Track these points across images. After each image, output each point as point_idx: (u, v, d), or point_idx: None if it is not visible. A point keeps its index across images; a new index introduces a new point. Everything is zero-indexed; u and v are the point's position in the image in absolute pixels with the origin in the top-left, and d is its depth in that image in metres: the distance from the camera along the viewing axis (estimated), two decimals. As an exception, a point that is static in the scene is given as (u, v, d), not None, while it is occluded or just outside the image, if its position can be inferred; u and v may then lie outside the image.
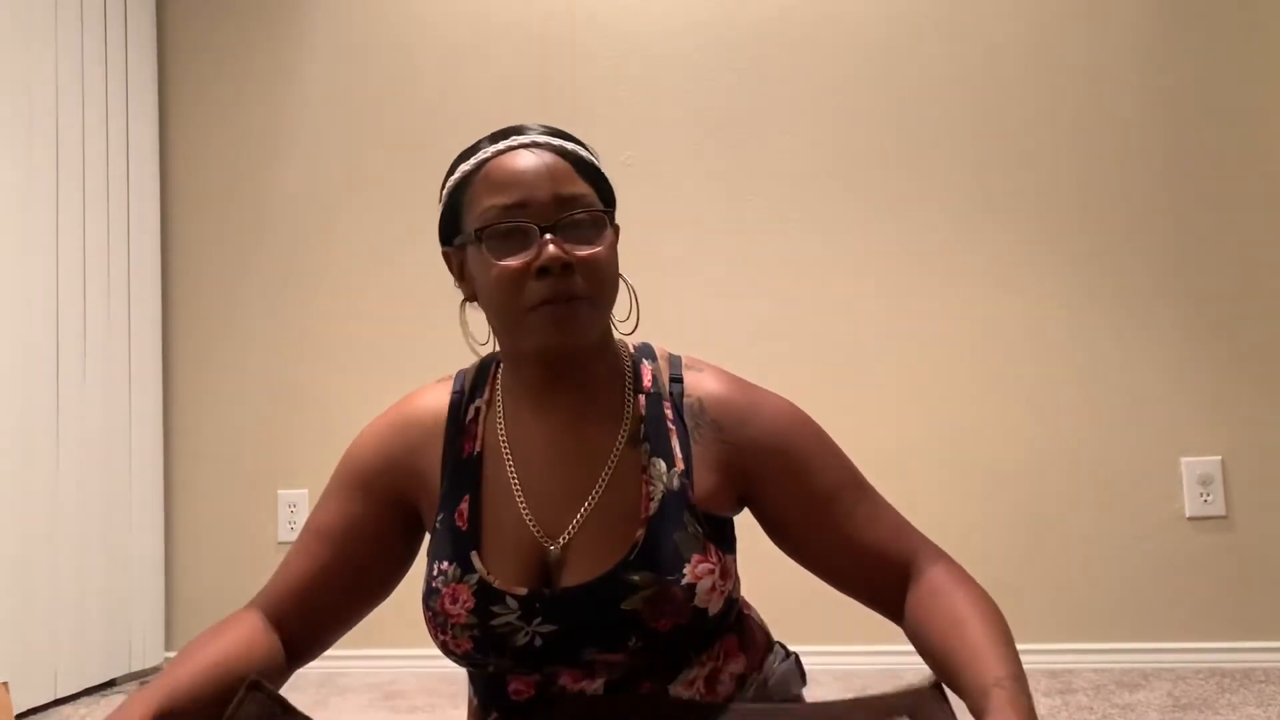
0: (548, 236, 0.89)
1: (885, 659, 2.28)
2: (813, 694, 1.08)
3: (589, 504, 0.94)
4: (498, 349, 1.02)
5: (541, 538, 0.94)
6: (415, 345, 2.57)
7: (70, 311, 2.35)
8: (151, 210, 2.68)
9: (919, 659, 0.91)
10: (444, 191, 0.98)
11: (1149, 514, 2.32)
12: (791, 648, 1.10)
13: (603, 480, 0.95)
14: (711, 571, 0.92)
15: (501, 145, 0.94)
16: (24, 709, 2.16)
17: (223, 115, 2.77)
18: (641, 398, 0.98)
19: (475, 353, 1.02)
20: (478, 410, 1.01)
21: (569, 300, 0.89)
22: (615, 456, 0.95)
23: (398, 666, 2.46)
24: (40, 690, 2.21)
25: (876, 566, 0.95)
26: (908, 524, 0.98)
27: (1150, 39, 2.41)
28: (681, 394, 0.99)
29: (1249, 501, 2.29)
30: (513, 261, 0.90)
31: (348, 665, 2.44)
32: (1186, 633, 2.27)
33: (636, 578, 0.90)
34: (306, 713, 0.88)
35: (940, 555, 0.95)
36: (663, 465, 0.95)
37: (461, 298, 1.00)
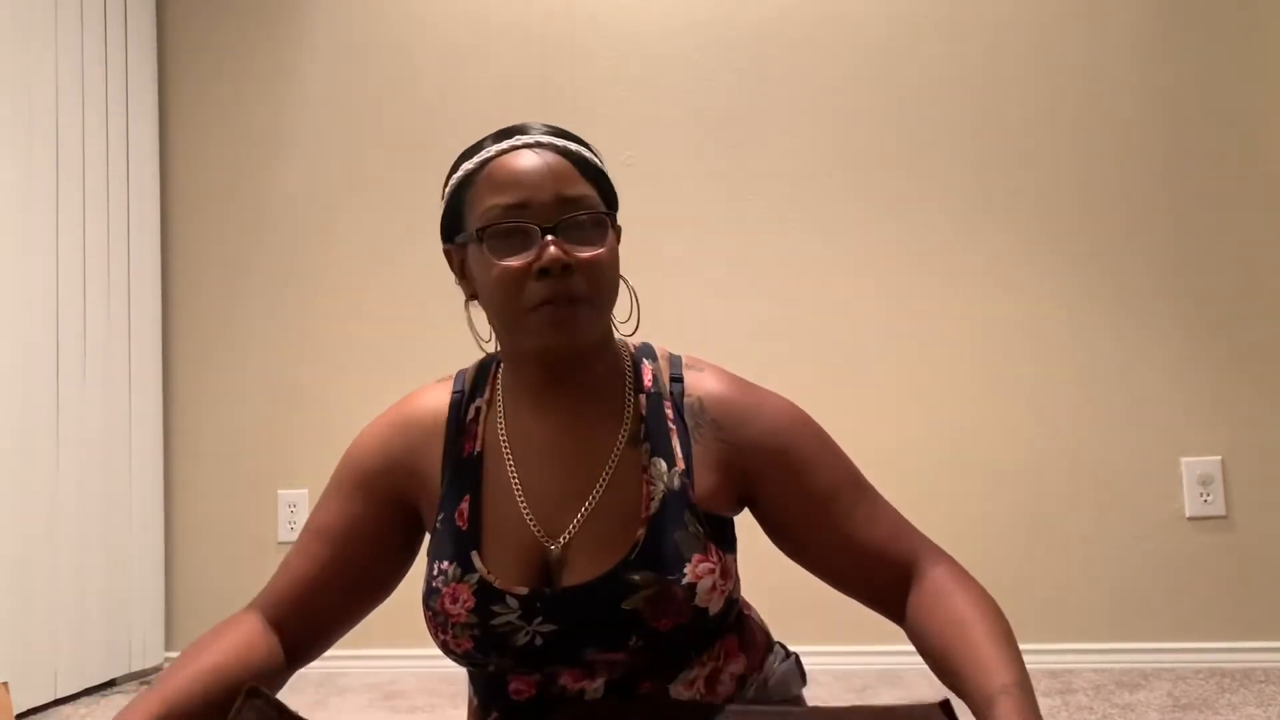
0: (549, 238, 0.89)
1: (885, 659, 2.28)
2: (813, 694, 1.08)
3: (589, 503, 0.94)
4: (499, 348, 1.02)
5: (542, 537, 0.94)
6: (415, 345, 2.57)
7: (70, 311, 2.35)
8: (151, 210, 2.68)
9: (919, 659, 0.91)
10: (446, 189, 0.98)
11: (1149, 514, 2.32)
12: (791, 648, 1.10)
13: (603, 480, 0.95)
14: (712, 571, 0.92)
15: (505, 144, 0.94)
16: (24, 709, 2.16)
17: (223, 115, 2.77)
18: (642, 397, 0.98)
19: (483, 350, 1.02)
20: (478, 410, 1.01)
21: (569, 302, 0.89)
22: (616, 456, 0.95)
23: (398, 666, 2.46)
24: (40, 690, 2.21)
25: (876, 566, 0.95)
26: (908, 524, 0.98)
27: (1150, 39, 2.41)
28: (682, 394, 0.99)
29: (1249, 501, 2.29)
30: (513, 262, 0.90)
31: (348, 665, 2.44)
32: (1186, 633, 2.27)
33: (637, 577, 0.90)
34: (306, 714, 0.87)
35: (941, 555, 0.95)
36: (663, 465, 0.95)
37: (469, 300, 1.00)
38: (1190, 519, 2.31)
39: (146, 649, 2.54)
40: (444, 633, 0.94)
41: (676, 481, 0.94)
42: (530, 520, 0.94)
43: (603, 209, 0.94)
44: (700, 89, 2.58)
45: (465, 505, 0.96)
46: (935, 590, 0.90)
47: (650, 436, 0.96)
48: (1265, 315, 2.33)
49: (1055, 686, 2.10)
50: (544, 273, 0.89)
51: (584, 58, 2.62)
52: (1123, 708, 1.93)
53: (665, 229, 2.51)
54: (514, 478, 0.96)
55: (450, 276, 1.01)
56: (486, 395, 1.01)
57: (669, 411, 0.98)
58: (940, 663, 0.86)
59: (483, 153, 0.95)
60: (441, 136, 2.60)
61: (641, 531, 0.92)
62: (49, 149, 2.32)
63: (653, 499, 0.93)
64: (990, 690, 0.78)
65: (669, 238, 2.51)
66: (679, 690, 0.94)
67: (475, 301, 0.99)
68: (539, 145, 0.93)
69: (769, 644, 1.07)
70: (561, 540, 0.93)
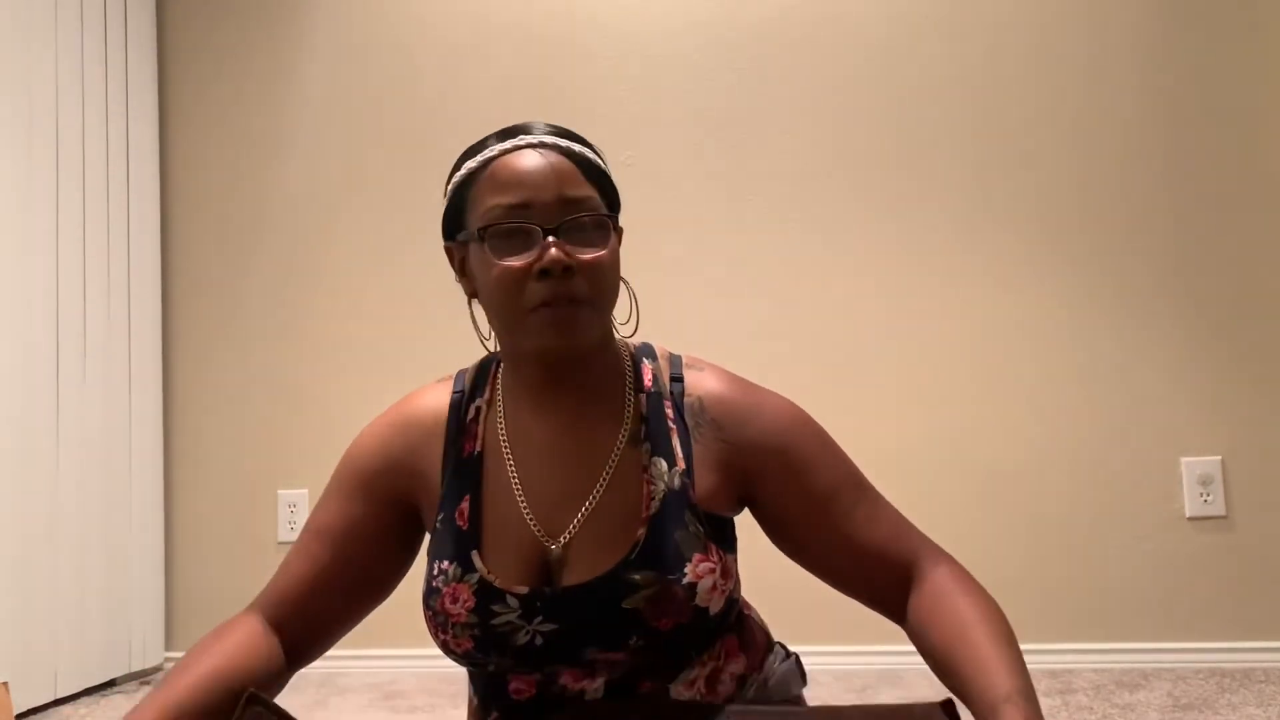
0: (550, 239, 0.89)
1: (885, 659, 2.28)
2: (813, 694, 1.08)
3: (590, 503, 0.94)
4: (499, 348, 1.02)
5: (542, 537, 0.94)
6: (415, 345, 2.57)
7: (70, 311, 2.35)
8: (151, 210, 2.68)
9: (920, 660, 0.91)
10: (448, 187, 0.98)
11: (1149, 514, 2.32)
12: (791, 648, 1.10)
13: (603, 479, 0.95)
14: (712, 570, 0.92)
15: (509, 144, 0.94)
16: (24, 709, 2.16)
17: (223, 115, 2.77)
18: (642, 397, 0.98)
19: (485, 348, 1.02)
20: (478, 410, 1.01)
21: (569, 303, 0.89)
22: (616, 456, 0.95)
23: (398, 666, 2.46)
24: (40, 690, 2.21)
25: (877, 566, 0.95)
26: (909, 524, 0.97)
27: (1150, 39, 2.41)
28: (682, 393, 0.99)
29: (1249, 501, 2.29)
30: (514, 262, 0.90)
31: (348, 665, 2.44)
32: (1186, 633, 2.27)
33: (638, 577, 0.90)
34: (306, 715, 0.88)
35: (942, 556, 0.95)
36: (663, 464, 0.94)
37: (468, 298, 1.00)
38: (1190, 519, 2.31)
39: (146, 649, 2.54)
40: (444, 632, 0.94)
41: (677, 481, 0.94)
42: (530, 520, 0.94)
43: (605, 211, 0.94)
44: (700, 89, 2.58)
45: (465, 505, 0.96)
46: (936, 591, 0.90)
47: (650, 436, 0.96)
48: (1265, 315, 2.33)
49: (1055, 686, 2.10)
50: (545, 273, 0.88)
51: (584, 58, 2.62)
52: (1123, 708, 1.93)
53: (665, 229, 2.51)
54: (514, 477, 0.96)
55: (450, 275, 1.01)
56: (486, 395, 1.01)
57: (669, 411, 0.98)
58: (942, 665, 0.86)
59: (486, 151, 0.94)
60: (441, 136, 2.60)
61: (642, 531, 0.92)
62: (49, 149, 2.32)
63: (653, 498, 0.93)
64: (994, 698, 0.77)
65: (669, 238, 2.51)
66: (679, 690, 0.94)
67: (474, 299, 0.99)
68: (543, 145, 0.93)
69: (769, 644, 1.07)
70: (562, 540, 0.93)
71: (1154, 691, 2.04)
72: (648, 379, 0.99)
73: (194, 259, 2.75)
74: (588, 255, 0.91)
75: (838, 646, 2.31)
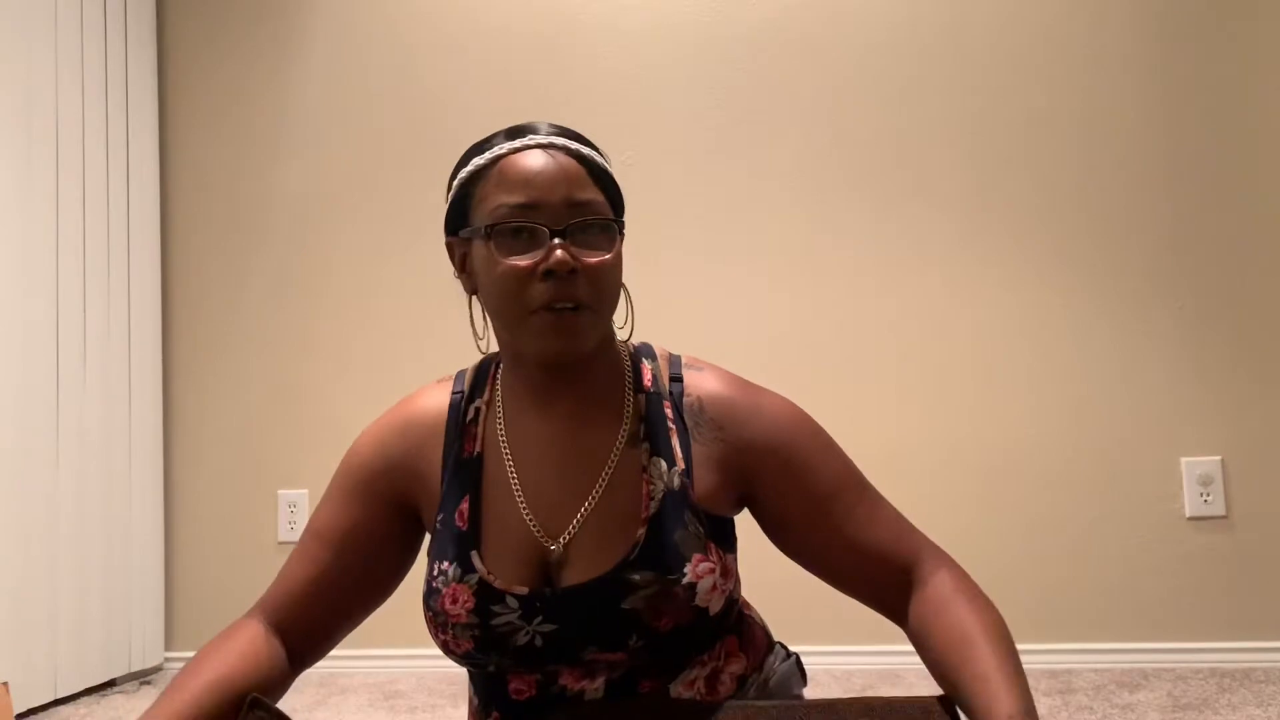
0: (556, 240, 0.89)
1: (885, 659, 2.28)
2: (813, 694, 1.08)
3: (589, 503, 0.94)
4: (496, 348, 1.02)
5: (542, 537, 0.94)
6: (415, 345, 2.57)
7: (70, 312, 2.35)
8: (151, 210, 2.68)
9: (920, 660, 0.91)
10: (454, 182, 0.98)
11: (1149, 514, 2.32)
12: (791, 648, 1.10)
13: (603, 480, 0.95)
14: (712, 571, 0.92)
15: (517, 143, 0.94)
16: (24, 709, 2.15)
17: (223, 115, 2.77)
18: (641, 397, 0.98)
19: (479, 349, 1.02)
20: (478, 410, 1.01)
21: (572, 307, 0.89)
22: (615, 456, 0.95)
23: (398, 666, 2.46)
24: (40, 690, 2.21)
25: (877, 567, 0.95)
26: (910, 525, 0.97)
27: (1150, 39, 2.41)
28: (681, 393, 0.99)
29: (1249, 501, 2.29)
30: (520, 261, 0.90)
31: (348, 665, 2.44)
32: (1186, 633, 2.27)
33: (637, 577, 0.90)
34: (306, 715, 0.88)
35: (943, 559, 0.95)
36: (663, 464, 0.94)
37: (468, 296, 1.00)
38: (1190, 519, 2.31)
39: (146, 649, 2.54)
40: (444, 633, 0.94)
41: (676, 481, 0.94)
42: (530, 520, 0.94)
43: (611, 215, 0.94)
44: (700, 89, 2.58)
45: (465, 506, 0.96)
46: (938, 599, 0.90)
47: (650, 436, 0.96)
48: (1265, 315, 2.33)
49: (1055, 686, 2.10)
50: (549, 274, 0.89)
51: (584, 57, 2.62)
52: (1123, 708, 1.93)
53: (665, 229, 2.51)
54: (514, 478, 0.96)
55: (449, 273, 1.01)
56: (486, 395, 1.01)
57: (668, 411, 0.98)
58: (943, 674, 0.86)
59: (494, 149, 0.94)
60: (442, 136, 2.61)
61: (641, 531, 0.92)
62: (49, 149, 2.32)
63: (652, 499, 0.93)
64: (995, 717, 0.77)
65: (668, 238, 2.51)
66: (679, 690, 0.94)
67: (474, 297, 0.99)
68: (552, 147, 0.93)
69: (769, 644, 1.07)
70: (561, 540, 0.93)
71: (1154, 691, 2.04)
72: (647, 379, 0.99)
73: (194, 259, 2.75)
74: (593, 259, 0.91)
75: (838, 646, 2.31)
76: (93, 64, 2.47)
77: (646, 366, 1.01)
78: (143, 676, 2.53)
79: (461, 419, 1.00)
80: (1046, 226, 2.42)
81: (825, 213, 2.50)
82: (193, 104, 2.78)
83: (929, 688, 0.89)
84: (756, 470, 0.96)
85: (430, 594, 0.95)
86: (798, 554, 0.99)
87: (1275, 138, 2.35)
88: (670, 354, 1.03)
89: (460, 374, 1.05)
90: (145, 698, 2.34)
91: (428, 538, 1.02)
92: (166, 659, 2.62)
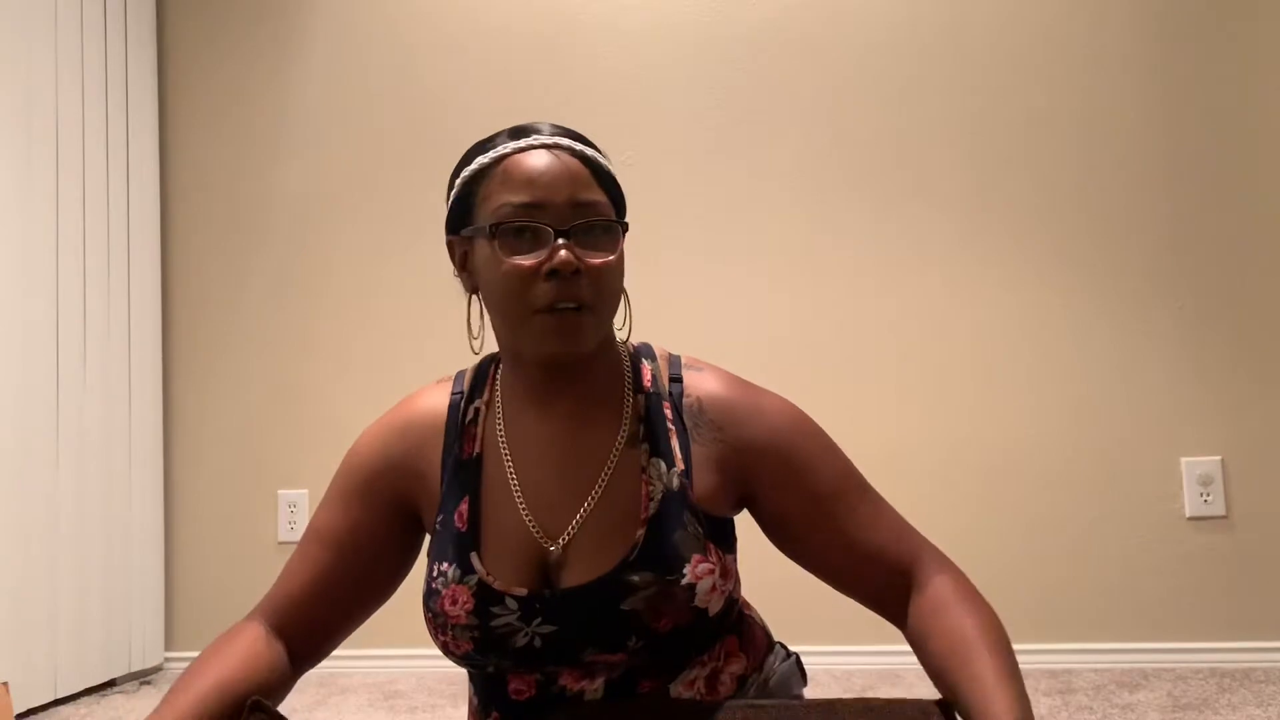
0: (560, 240, 0.89)
1: (885, 659, 2.28)
2: (813, 694, 1.08)
3: (589, 504, 0.94)
4: (488, 349, 1.02)
5: (541, 538, 0.94)
6: (415, 345, 2.57)
7: (70, 312, 2.35)
8: (152, 210, 2.68)
9: (919, 661, 0.91)
10: (457, 180, 0.98)
11: (1149, 514, 2.32)
12: (791, 648, 1.10)
13: (602, 480, 0.95)
14: (712, 571, 0.92)
15: (522, 143, 0.94)
16: (24, 709, 2.15)
17: (223, 115, 2.77)
18: (641, 398, 0.98)
19: (473, 349, 1.02)
20: (477, 411, 1.01)
21: (574, 307, 0.89)
22: (615, 456, 0.95)
23: (398, 666, 2.46)
24: (40, 690, 2.21)
25: (877, 569, 0.95)
26: (910, 527, 0.97)
27: (1150, 38, 2.41)
28: (681, 394, 0.99)
29: (1249, 501, 2.29)
30: (524, 260, 0.90)
31: (348, 665, 2.44)
32: (1186, 633, 2.27)
33: (637, 578, 0.90)
34: (306, 715, 0.88)
35: (943, 562, 0.95)
36: (662, 465, 0.94)
37: (467, 294, 0.99)
38: (1190, 519, 2.31)
39: (146, 649, 2.54)
40: (444, 634, 0.94)
41: (676, 482, 0.94)
42: (529, 521, 0.94)
43: (615, 217, 0.94)
44: (700, 89, 2.58)
45: (465, 507, 0.96)
46: (937, 601, 0.90)
47: (649, 437, 0.96)
48: (1265, 315, 2.33)
49: (1055, 686, 2.10)
50: (553, 274, 0.89)
51: (584, 57, 2.62)
52: (1123, 708, 1.93)
53: (665, 229, 2.51)
54: (513, 479, 0.96)
55: (449, 272, 1.01)
56: (485, 396, 1.01)
57: (668, 412, 0.98)
58: (941, 678, 0.86)
59: (499, 148, 0.94)
60: (442, 136, 2.61)
61: (641, 532, 0.92)
62: (49, 149, 2.32)
63: (652, 499, 0.93)
64: None
65: (668, 238, 2.51)
66: (679, 690, 0.94)
67: (473, 296, 0.99)
68: (557, 147, 0.93)
69: (769, 644, 1.07)
70: (561, 541, 0.93)
71: (1154, 691, 2.04)
72: (647, 380, 0.99)
73: (194, 259, 2.75)
74: (596, 259, 0.91)
75: (838, 646, 2.31)
76: (93, 64, 2.47)
77: (646, 367, 1.01)
78: (143, 676, 2.53)
79: (461, 420, 1.00)
80: (1046, 226, 2.42)
81: (825, 213, 2.50)
82: (193, 104, 2.78)
83: (928, 689, 0.89)
84: (756, 471, 0.96)
85: (430, 595, 0.95)
86: (797, 555, 0.99)
87: (1275, 138, 2.35)
88: (670, 354, 1.03)
89: (460, 374, 1.05)
90: (145, 698, 2.34)
91: (428, 538, 1.02)
92: (166, 659, 2.62)
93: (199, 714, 0.86)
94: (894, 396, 2.44)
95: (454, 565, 0.94)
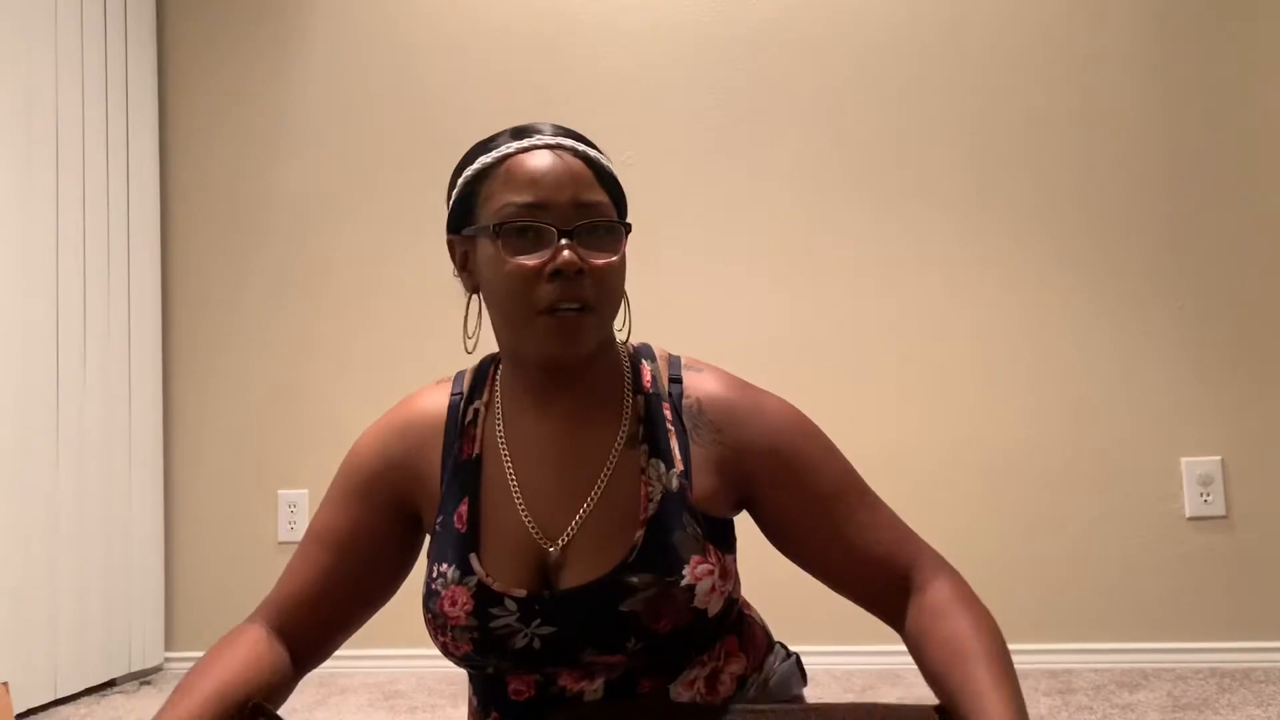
0: (564, 241, 0.89)
1: (885, 659, 2.28)
2: (813, 694, 1.08)
3: (588, 505, 0.94)
4: (483, 349, 1.02)
5: (540, 539, 0.94)
6: (415, 345, 2.57)
7: (70, 312, 2.35)
8: (152, 210, 2.68)
9: (916, 665, 0.91)
10: (458, 180, 0.97)
11: (1149, 514, 2.32)
12: (791, 648, 1.10)
13: (601, 481, 0.95)
14: (711, 572, 0.92)
15: (525, 143, 0.94)
16: (24, 709, 2.16)
17: (223, 115, 2.77)
18: (641, 398, 0.98)
19: (466, 349, 1.01)
20: (477, 412, 1.00)
21: (577, 308, 0.89)
22: (614, 457, 0.95)
23: (398, 666, 2.46)
24: (40, 690, 2.21)
25: (875, 571, 0.95)
26: (909, 530, 0.97)
27: (1150, 38, 2.41)
28: (680, 395, 0.99)
29: (1249, 501, 2.29)
30: (527, 261, 0.89)
31: (348, 665, 2.44)
32: (1186, 633, 2.27)
33: (636, 579, 0.90)
34: (306, 715, 0.88)
35: (941, 566, 0.95)
36: (662, 466, 0.94)
37: (467, 293, 0.99)
38: (1190, 519, 2.31)
39: (146, 649, 2.54)
40: (443, 635, 0.94)
41: (675, 483, 0.94)
42: (529, 522, 0.94)
43: (617, 218, 0.94)
44: (700, 89, 2.58)
45: (464, 508, 0.96)
46: (935, 606, 0.90)
47: (649, 438, 0.96)
48: (1265, 315, 2.33)
49: (1055, 686, 2.10)
50: (556, 274, 0.89)
51: (584, 57, 2.62)
52: (1123, 708, 1.93)
53: (664, 229, 2.51)
54: (512, 480, 0.96)
55: (449, 272, 1.00)
56: (485, 397, 1.01)
57: (667, 413, 0.97)
58: (938, 684, 0.86)
59: (501, 148, 0.94)
60: (442, 136, 2.61)
61: (640, 533, 0.92)
62: (49, 149, 2.32)
63: (651, 500, 0.93)
64: None
65: (668, 238, 2.51)
66: (679, 690, 0.94)
67: (473, 296, 0.98)
68: (560, 148, 0.93)
69: (769, 644, 1.07)
70: (560, 542, 0.93)
71: (1154, 691, 2.04)
72: (646, 380, 0.99)
73: (194, 259, 2.75)
74: (599, 260, 0.91)
75: (838, 646, 2.31)
76: (93, 64, 2.47)
77: (646, 367, 1.00)
78: (143, 676, 2.54)
79: (460, 420, 1.00)
80: (1046, 226, 2.42)
81: (825, 213, 2.50)
82: (193, 104, 2.78)
83: (928, 690, 0.89)
84: (755, 472, 0.96)
85: (429, 596, 0.95)
86: (796, 556, 0.99)
87: (1275, 138, 2.35)
88: (670, 355, 1.03)
89: (459, 375, 1.05)
90: (145, 698, 2.34)
91: (428, 539, 1.02)
92: (166, 659, 2.62)
93: (201, 718, 0.86)
94: (894, 396, 2.44)
95: (453, 566, 0.94)
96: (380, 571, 1.01)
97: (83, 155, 2.42)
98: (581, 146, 0.95)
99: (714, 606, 0.92)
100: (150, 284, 2.65)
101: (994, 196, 2.45)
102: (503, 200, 0.91)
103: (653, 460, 0.95)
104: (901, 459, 2.38)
